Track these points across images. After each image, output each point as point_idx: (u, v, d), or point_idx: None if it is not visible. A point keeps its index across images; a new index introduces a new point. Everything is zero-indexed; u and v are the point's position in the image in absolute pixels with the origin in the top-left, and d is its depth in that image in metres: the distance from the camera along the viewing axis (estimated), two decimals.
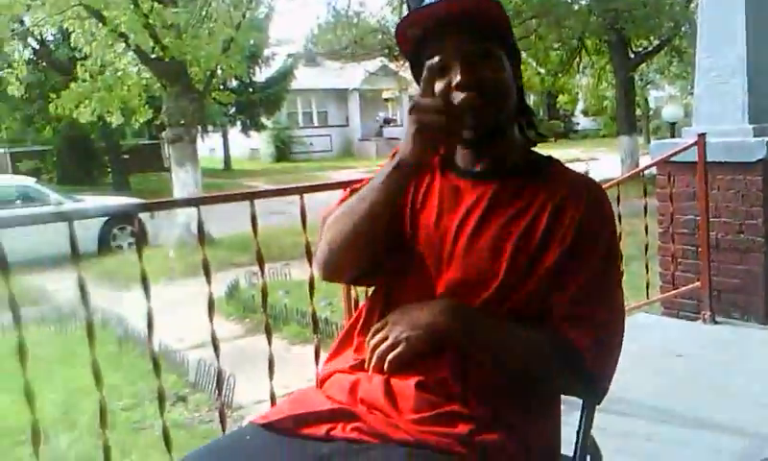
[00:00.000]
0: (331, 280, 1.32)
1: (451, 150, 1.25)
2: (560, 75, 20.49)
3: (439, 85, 1.18)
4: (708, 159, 3.92)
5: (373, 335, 1.20)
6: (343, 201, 1.30)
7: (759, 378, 3.22)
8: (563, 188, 1.21)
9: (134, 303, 3.04)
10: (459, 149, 1.26)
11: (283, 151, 30.15)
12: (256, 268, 2.39)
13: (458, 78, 1.16)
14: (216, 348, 2.21)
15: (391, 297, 1.25)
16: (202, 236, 2.24)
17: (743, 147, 3.92)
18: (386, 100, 30.95)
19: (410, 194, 1.27)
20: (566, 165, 1.28)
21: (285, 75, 25.75)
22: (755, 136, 3.92)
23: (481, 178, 1.24)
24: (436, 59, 1.18)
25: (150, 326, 2.12)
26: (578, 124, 37.19)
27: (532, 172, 1.25)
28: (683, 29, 15.16)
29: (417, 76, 1.23)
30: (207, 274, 2.17)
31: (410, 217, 1.26)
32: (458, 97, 1.16)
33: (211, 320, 2.18)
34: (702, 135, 3.93)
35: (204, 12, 11.79)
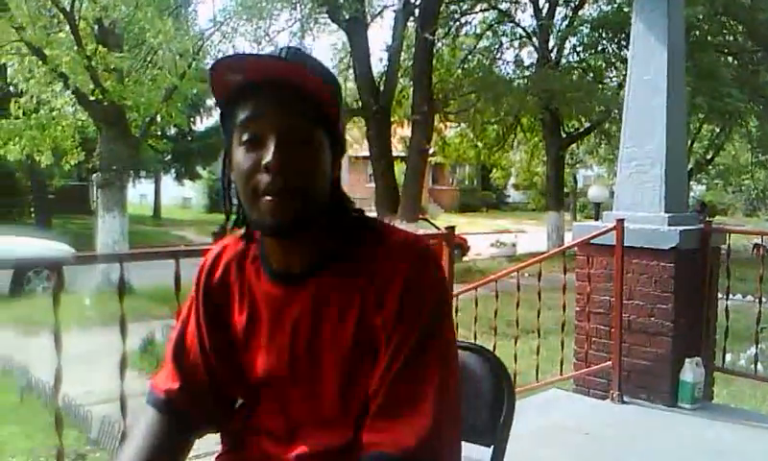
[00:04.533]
0: None
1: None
2: (495, 149, 21.18)
3: (247, 159, 1.05)
4: (626, 244, 4.10)
5: None
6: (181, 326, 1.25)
7: (660, 460, 3.33)
8: (385, 265, 1.08)
9: (42, 352, 2.92)
10: (267, 243, 1.15)
11: (217, 202, 29.82)
12: (175, 321, 2.35)
13: (269, 158, 1.03)
14: (123, 406, 2.15)
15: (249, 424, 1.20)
16: (122, 293, 2.20)
17: (658, 234, 4.13)
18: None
19: (233, 314, 1.19)
20: (394, 228, 1.16)
21: None
22: (669, 225, 4.14)
23: (298, 281, 1.12)
24: (252, 125, 1.05)
25: (57, 380, 2.05)
26: (509, 196, 38.34)
27: (351, 257, 1.11)
28: (612, 114, 15.98)
29: (224, 124, 1.11)
30: (123, 330, 2.13)
31: (242, 345, 1.18)
32: (263, 180, 1.04)
33: (122, 377, 2.13)
34: (620, 221, 4.13)
35: (149, 59, 11.74)
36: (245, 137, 1.05)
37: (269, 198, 1.03)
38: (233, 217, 1.16)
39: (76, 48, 10.03)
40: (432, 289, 1.08)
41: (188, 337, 1.24)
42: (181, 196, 30.00)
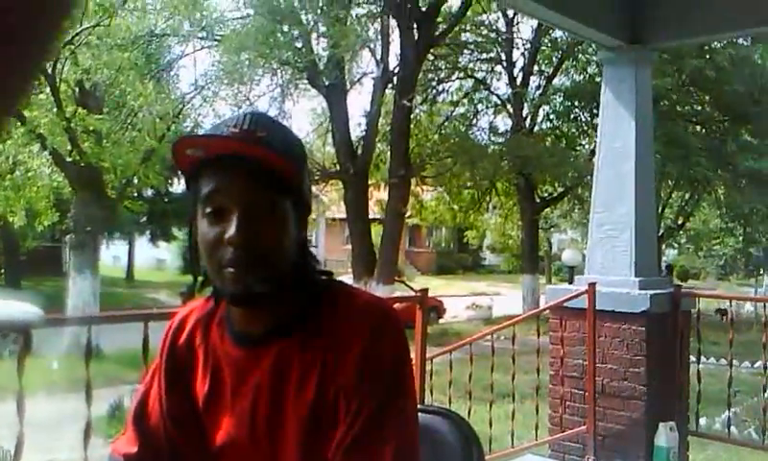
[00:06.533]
0: None
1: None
2: (470, 212, 21.42)
3: (210, 231, 1.07)
4: (598, 307, 4.15)
5: None
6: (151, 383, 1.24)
7: None
8: (346, 330, 1.08)
9: (6, 418, 2.84)
10: (231, 308, 1.15)
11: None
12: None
13: (232, 231, 1.04)
14: None
15: None
16: (88, 356, 2.17)
17: (629, 298, 4.18)
18: None
19: (197, 378, 1.18)
20: (358, 292, 1.17)
21: None
22: (640, 289, 4.19)
23: (260, 344, 1.12)
24: (214, 198, 1.07)
25: (18, 448, 2.00)
26: (485, 259, 38.53)
27: (314, 320, 1.11)
28: (585, 179, 16.29)
29: (190, 194, 1.13)
30: (89, 395, 2.09)
31: (204, 410, 1.17)
32: (227, 253, 1.05)
33: (86, 445, 2.08)
34: (592, 285, 4.18)
35: (128, 121, 11.82)
36: (208, 210, 1.07)
37: (231, 270, 1.05)
38: (200, 279, 1.17)
39: (55, 110, 10.07)
40: (391, 355, 1.08)
41: (150, 401, 1.23)
42: (156, 258, 29.70)
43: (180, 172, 1.17)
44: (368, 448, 1.03)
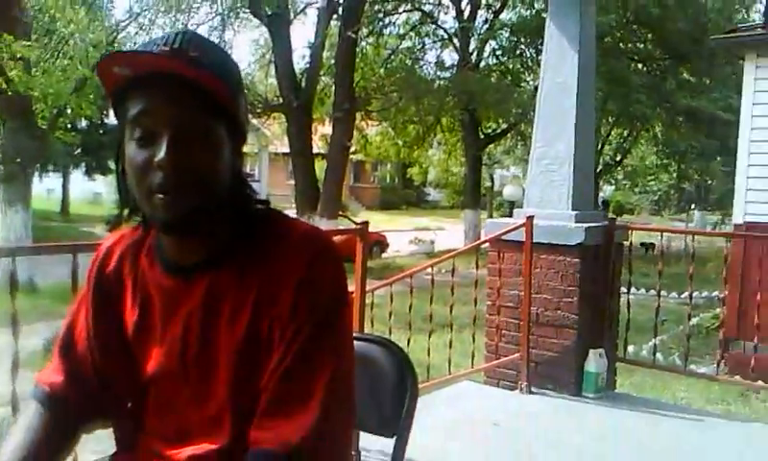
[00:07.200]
0: None
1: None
2: (415, 147, 21.43)
3: (139, 155, 1.02)
4: (535, 240, 4.24)
5: None
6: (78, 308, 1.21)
7: (566, 448, 3.47)
8: (281, 260, 1.06)
9: None
10: (162, 236, 1.11)
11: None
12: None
13: (161, 154, 0.99)
14: (15, 409, 2.05)
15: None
16: (13, 288, 2.11)
17: (565, 231, 4.28)
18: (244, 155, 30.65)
19: (125, 307, 1.16)
20: (295, 221, 1.13)
21: None
22: (576, 222, 4.30)
23: (193, 273, 1.09)
24: (143, 120, 1.02)
25: None
26: (429, 195, 38.84)
27: (249, 251, 1.09)
28: (528, 116, 16.41)
29: (117, 117, 1.07)
30: (15, 327, 2.04)
31: (133, 340, 1.14)
32: (157, 178, 1.00)
33: (14, 378, 2.04)
34: (530, 218, 4.26)
35: (59, 49, 11.25)
36: (137, 133, 1.02)
37: (161, 196, 1.01)
38: (127, 209, 1.13)
39: None
40: (327, 285, 1.06)
41: (77, 330, 1.20)
42: (92, 191, 28.83)
43: (107, 95, 1.07)
44: (301, 377, 1.01)
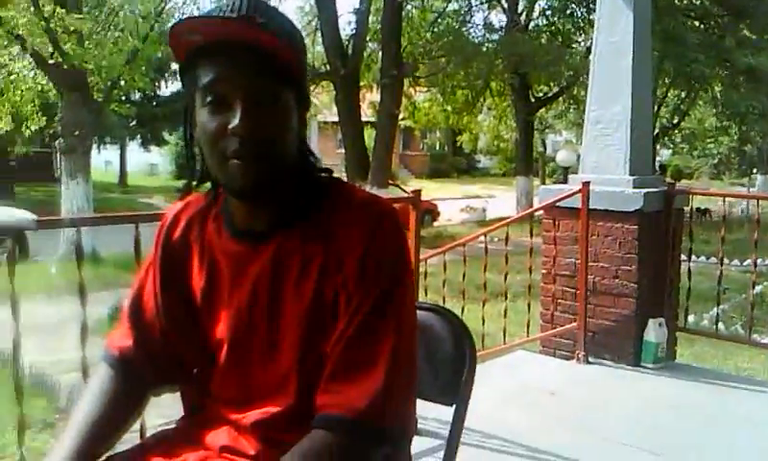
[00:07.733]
0: None
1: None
2: (464, 113, 21.17)
3: (212, 121, 1.03)
4: (591, 207, 4.14)
5: None
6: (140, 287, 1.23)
7: (624, 419, 3.41)
8: (347, 227, 1.07)
9: (5, 322, 2.87)
10: (232, 201, 1.13)
11: (184, 168, 29.35)
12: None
13: (236, 121, 1.01)
14: (86, 373, 2.12)
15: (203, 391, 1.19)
16: (79, 257, 2.16)
17: (622, 197, 4.17)
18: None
19: (193, 273, 1.18)
20: (357, 190, 1.15)
21: None
22: (633, 188, 4.18)
23: (260, 239, 1.11)
24: (216, 87, 1.03)
25: (16, 347, 2.02)
26: (479, 162, 38.44)
27: (314, 218, 1.10)
28: (581, 78, 16.05)
29: (185, 83, 1.09)
30: (83, 295, 2.09)
31: (200, 306, 1.16)
32: (232, 144, 1.02)
33: (84, 344, 2.10)
34: (586, 184, 4.15)
35: (110, 21, 11.44)
36: (209, 99, 1.03)
37: (237, 162, 1.02)
38: (198, 176, 1.16)
39: (32, 9, 9.71)
40: (392, 252, 1.07)
41: (145, 295, 1.22)
42: (148, 162, 29.52)
43: (178, 62, 1.10)
44: (367, 344, 1.03)
